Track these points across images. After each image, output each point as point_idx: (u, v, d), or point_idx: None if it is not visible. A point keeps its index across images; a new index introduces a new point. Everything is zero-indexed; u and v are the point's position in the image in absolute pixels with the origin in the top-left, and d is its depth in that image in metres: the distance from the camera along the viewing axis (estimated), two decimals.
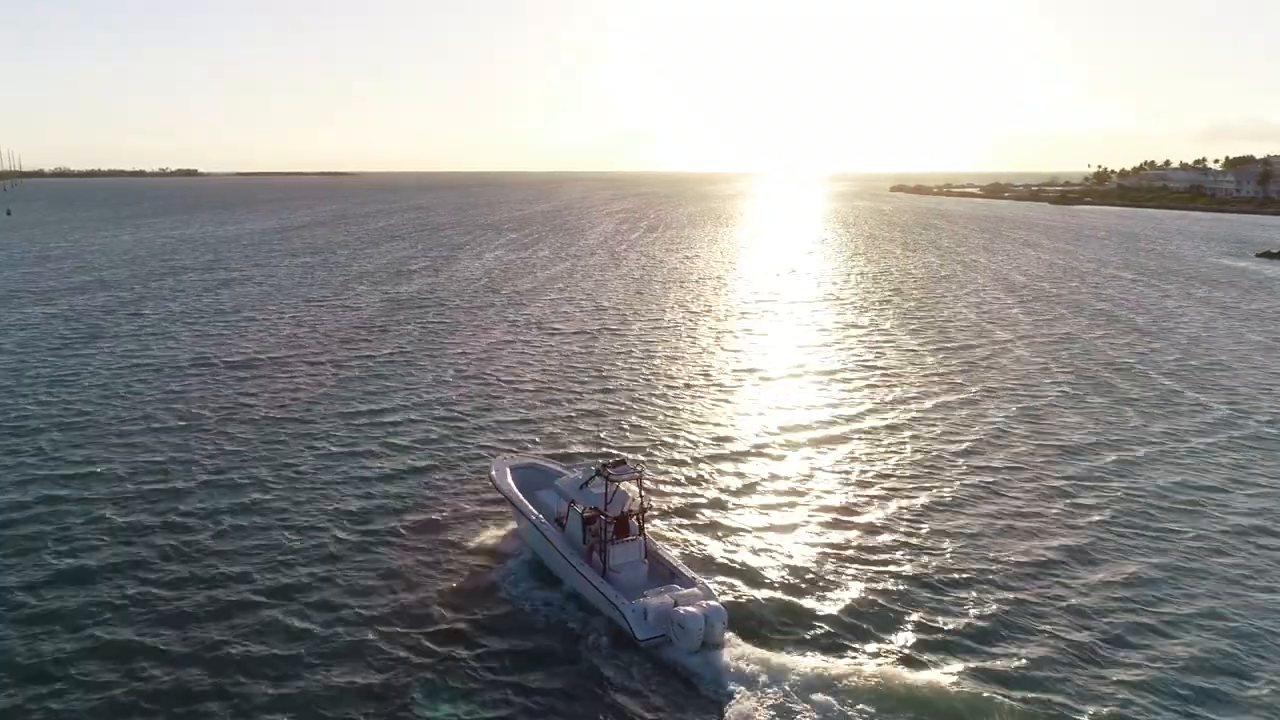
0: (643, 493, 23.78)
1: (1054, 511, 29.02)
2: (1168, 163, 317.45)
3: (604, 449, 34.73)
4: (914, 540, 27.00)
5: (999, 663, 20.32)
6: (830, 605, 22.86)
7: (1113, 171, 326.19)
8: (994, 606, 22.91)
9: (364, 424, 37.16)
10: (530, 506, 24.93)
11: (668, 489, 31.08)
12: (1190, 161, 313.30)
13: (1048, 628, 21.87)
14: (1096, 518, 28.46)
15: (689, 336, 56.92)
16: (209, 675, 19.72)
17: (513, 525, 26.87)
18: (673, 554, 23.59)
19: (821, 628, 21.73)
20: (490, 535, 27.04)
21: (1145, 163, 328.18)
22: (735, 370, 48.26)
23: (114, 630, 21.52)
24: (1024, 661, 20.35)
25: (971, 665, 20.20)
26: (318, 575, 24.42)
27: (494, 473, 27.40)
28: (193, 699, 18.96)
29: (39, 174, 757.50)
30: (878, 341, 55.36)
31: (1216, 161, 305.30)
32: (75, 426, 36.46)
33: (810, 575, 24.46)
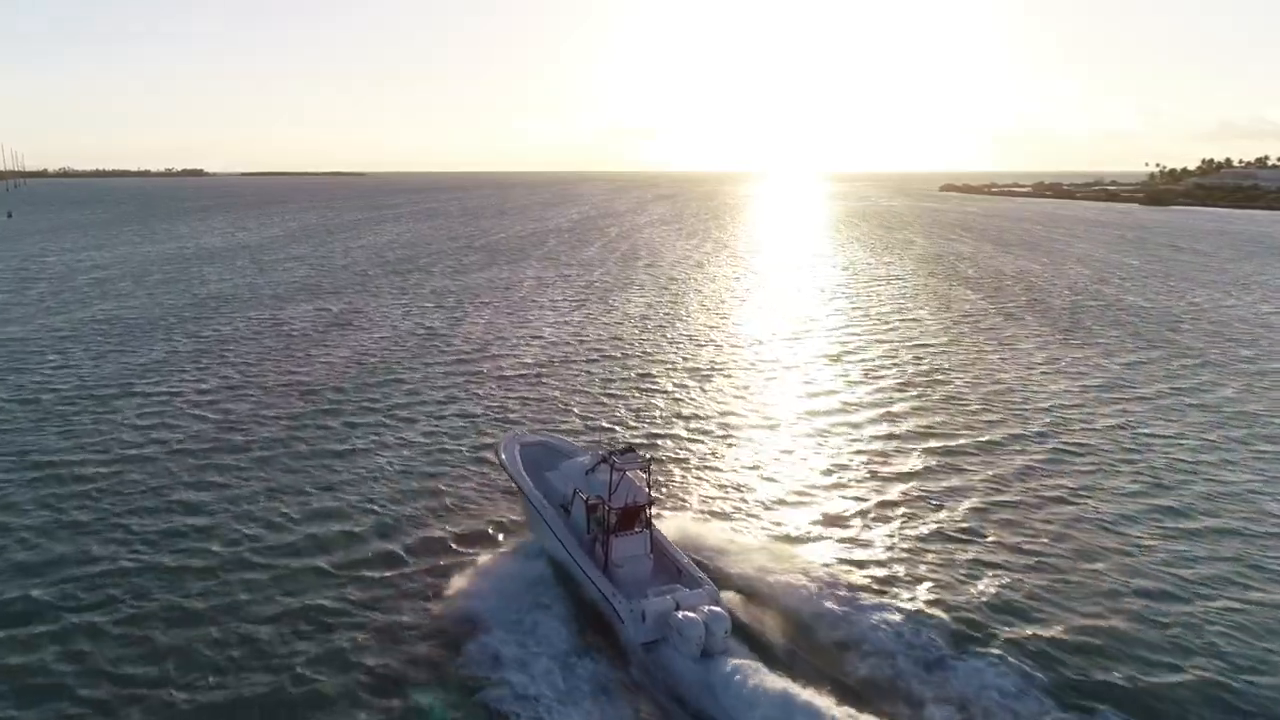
0: (650, 484, 22.47)
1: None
2: (1229, 161, 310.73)
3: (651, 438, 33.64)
4: (941, 552, 25.20)
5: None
6: (844, 618, 20.78)
7: (1183, 171, 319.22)
8: (1012, 625, 21.23)
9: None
10: (535, 489, 23.77)
11: (678, 481, 30.26)
12: (1199, 161, 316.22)
13: (1085, 658, 20.06)
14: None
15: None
16: (200, 673, 19.17)
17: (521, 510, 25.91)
18: (681, 551, 21.89)
19: (833, 640, 19.97)
20: (501, 519, 26.66)
21: (1205, 160, 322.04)
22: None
23: (104, 618, 21.31)
24: (1040, 693, 18.64)
25: (986, 688, 18.39)
26: (320, 562, 24.08)
27: (502, 451, 26.17)
28: (182, 697, 18.33)
29: (43, 174, 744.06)
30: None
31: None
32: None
33: (824, 584, 22.24)
